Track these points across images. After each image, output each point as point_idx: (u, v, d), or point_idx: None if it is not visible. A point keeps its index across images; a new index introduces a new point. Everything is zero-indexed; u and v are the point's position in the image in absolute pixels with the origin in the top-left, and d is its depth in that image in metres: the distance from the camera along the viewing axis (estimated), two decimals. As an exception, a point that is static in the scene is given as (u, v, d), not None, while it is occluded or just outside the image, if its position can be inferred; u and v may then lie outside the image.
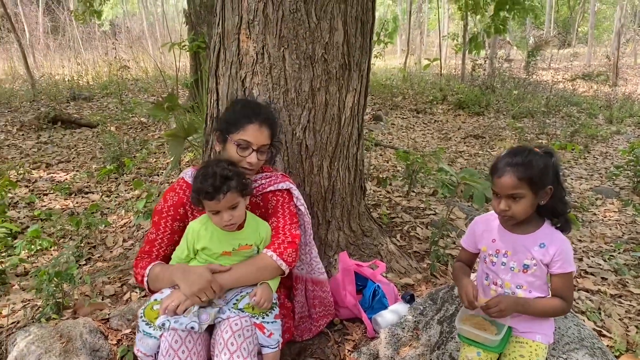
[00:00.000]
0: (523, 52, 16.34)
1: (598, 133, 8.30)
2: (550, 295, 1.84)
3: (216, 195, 1.82)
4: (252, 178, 2.14)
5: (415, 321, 2.28)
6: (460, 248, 2.06)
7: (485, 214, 2.00)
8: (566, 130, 8.29)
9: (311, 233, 2.31)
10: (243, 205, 1.93)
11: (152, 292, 2.01)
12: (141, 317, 1.85)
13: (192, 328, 1.80)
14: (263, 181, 2.18)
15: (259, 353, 1.90)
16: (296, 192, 2.23)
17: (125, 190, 5.10)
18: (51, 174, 5.74)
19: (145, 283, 2.00)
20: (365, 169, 4.48)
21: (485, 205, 3.22)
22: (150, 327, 1.82)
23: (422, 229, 3.58)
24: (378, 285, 2.49)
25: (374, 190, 4.70)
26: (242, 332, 1.80)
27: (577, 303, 3.02)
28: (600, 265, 3.62)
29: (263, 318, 1.88)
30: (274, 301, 1.93)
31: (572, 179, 6.04)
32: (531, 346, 1.81)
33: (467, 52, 11.93)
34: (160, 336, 1.81)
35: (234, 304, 1.90)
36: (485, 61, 13.12)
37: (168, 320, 1.79)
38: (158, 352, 1.82)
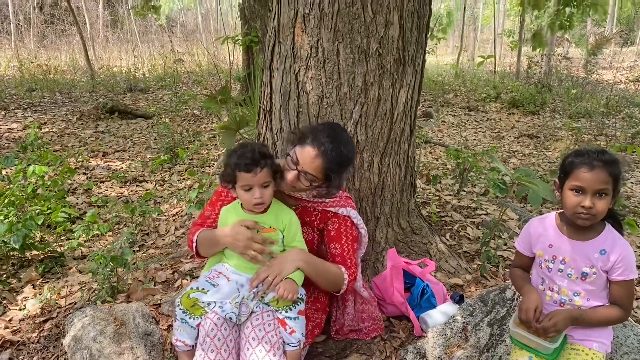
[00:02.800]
0: (582, 50, 15.71)
1: (661, 136, 7.89)
2: (608, 303, 1.76)
3: (253, 168, 1.83)
4: (319, 192, 2.07)
5: (464, 322, 2.24)
6: (514, 251, 2.00)
7: (541, 215, 1.93)
8: (627, 131, 7.92)
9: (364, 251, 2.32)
10: (272, 188, 1.94)
11: (201, 256, 2.11)
12: (178, 305, 1.88)
13: (230, 319, 1.84)
14: (326, 199, 2.14)
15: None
16: (356, 218, 2.18)
17: (178, 180, 5.23)
18: (107, 163, 5.96)
19: (194, 247, 2.08)
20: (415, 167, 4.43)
21: (539, 208, 3.12)
22: (187, 315, 1.86)
23: (472, 229, 3.51)
24: (427, 284, 2.45)
25: (423, 188, 4.63)
26: (262, 326, 1.84)
27: (636, 312, 2.89)
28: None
29: (286, 312, 1.87)
30: (300, 297, 1.91)
31: (632, 183, 5.77)
32: (587, 354, 1.73)
33: (523, 48, 11.58)
34: (198, 325, 1.86)
35: (262, 297, 1.91)
36: (542, 59, 12.70)
37: (214, 302, 1.84)
38: (196, 343, 1.87)
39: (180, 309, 1.88)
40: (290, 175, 1.94)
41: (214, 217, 2.13)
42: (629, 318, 1.93)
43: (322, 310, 2.22)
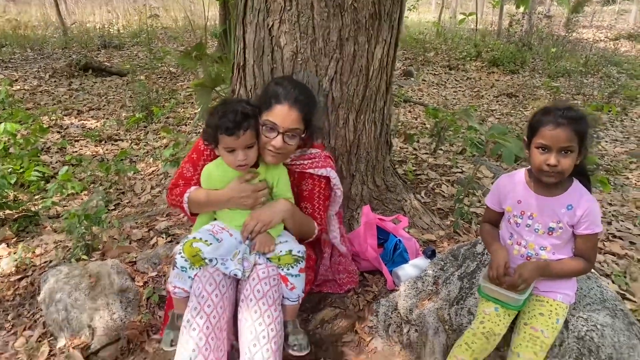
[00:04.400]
0: (564, 8, 15.61)
1: (638, 95, 7.98)
2: (572, 256, 1.81)
3: (236, 132, 1.79)
4: (297, 155, 2.09)
5: (435, 276, 2.29)
6: (485, 207, 2.03)
7: (510, 172, 1.96)
8: (604, 91, 7.99)
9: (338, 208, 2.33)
10: (257, 147, 1.91)
11: (192, 215, 2.08)
12: (180, 253, 1.84)
13: (236, 275, 1.84)
14: (305, 161, 2.12)
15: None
16: (335, 179, 2.18)
17: (153, 139, 5.16)
18: (82, 121, 5.84)
19: (185, 206, 2.03)
20: (393, 125, 4.42)
21: (514, 165, 3.16)
22: (187, 263, 1.83)
23: (447, 186, 3.55)
24: (400, 239, 2.49)
25: (400, 147, 4.65)
26: (268, 280, 1.84)
27: (603, 266, 2.99)
28: (630, 229, 3.55)
29: (288, 270, 1.90)
30: (301, 254, 1.92)
31: (606, 142, 5.86)
32: (552, 305, 1.79)
33: (504, 6, 11.47)
34: (195, 276, 1.84)
35: (263, 253, 1.92)
36: (523, 17, 12.60)
37: (216, 259, 1.83)
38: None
39: (182, 257, 1.83)
40: (276, 142, 1.88)
41: (197, 178, 2.07)
42: (593, 270, 1.99)
43: (311, 268, 2.25)
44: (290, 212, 1.99)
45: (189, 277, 1.84)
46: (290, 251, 1.90)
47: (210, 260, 1.83)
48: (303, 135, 1.97)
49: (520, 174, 1.87)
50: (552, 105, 1.72)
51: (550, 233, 1.77)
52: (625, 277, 2.92)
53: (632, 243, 3.39)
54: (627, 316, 1.94)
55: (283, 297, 1.91)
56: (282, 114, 1.87)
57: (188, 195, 2.02)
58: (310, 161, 2.12)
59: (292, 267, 1.90)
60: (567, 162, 1.65)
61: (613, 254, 3.18)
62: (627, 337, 1.84)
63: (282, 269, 1.90)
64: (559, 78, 9.23)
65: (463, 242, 2.83)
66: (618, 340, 1.82)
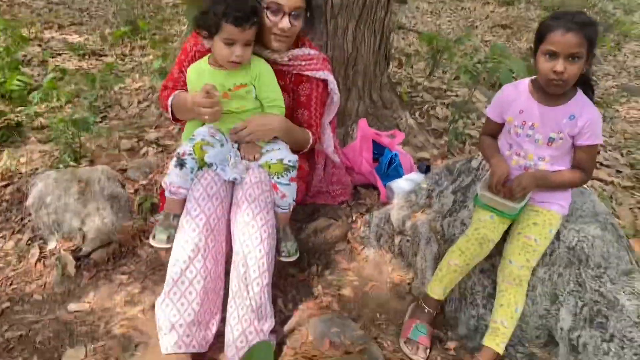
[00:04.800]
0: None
1: (632, 31, 7.89)
2: (570, 167, 1.81)
3: (244, 23, 1.71)
4: (294, 54, 2.01)
5: (429, 189, 2.29)
6: (486, 119, 2.00)
7: (514, 82, 1.92)
8: (599, 25, 7.87)
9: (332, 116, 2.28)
10: (252, 47, 1.83)
11: (177, 120, 2.05)
12: (190, 154, 1.77)
13: (235, 179, 1.81)
14: (302, 62, 2.04)
15: None
16: (332, 83, 2.12)
17: (140, 55, 4.98)
18: (64, 35, 5.59)
19: (169, 110, 2.00)
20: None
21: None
22: (196, 163, 1.78)
23: (441, 108, 3.51)
24: (395, 153, 2.47)
25: (394, 71, 4.55)
26: (260, 185, 1.81)
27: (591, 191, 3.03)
28: (617, 159, 3.59)
29: (278, 178, 1.86)
30: (292, 164, 1.88)
31: (599, 75, 5.83)
32: (545, 215, 1.81)
33: None
34: (197, 178, 1.79)
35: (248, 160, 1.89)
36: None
37: (216, 164, 1.79)
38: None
39: (193, 158, 1.77)
40: (283, 23, 1.84)
41: (183, 80, 2.01)
42: (586, 186, 2.00)
43: (303, 179, 2.22)
44: (285, 129, 1.95)
45: (191, 178, 1.80)
46: (282, 160, 1.86)
47: (210, 165, 1.80)
48: (306, 11, 1.91)
49: (525, 83, 1.83)
50: (562, 11, 1.66)
51: (549, 144, 1.76)
52: (611, 201, 2.98)
53: (618, 172, 3.44)
54: (617, 230, 1.97)
55: (275, 204, 1.89)
56: None
57: (171, 99, 1.98)
58: (307, 62, 2.05)
59: (283, 176, 1.87)
60: (574, 69, 1.61)
61: (600, 180, 3.22)
62: (617, 249, 1.87)
63: (273, 177, 1.87)
64: (554, 11, 9.04)
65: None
66: (607, 251, 1.85)
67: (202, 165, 1.80)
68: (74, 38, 5.50)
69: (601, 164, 3.48)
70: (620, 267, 1.82)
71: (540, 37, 1.66)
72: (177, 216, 1.80)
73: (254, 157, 1.86)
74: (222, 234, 1.80)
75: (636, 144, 3.83)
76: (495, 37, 7.22)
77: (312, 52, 2.07)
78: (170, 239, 1.78)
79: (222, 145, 1.85)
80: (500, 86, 3.52)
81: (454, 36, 6.79)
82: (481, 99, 3.77)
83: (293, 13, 1.85)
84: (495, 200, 1.79)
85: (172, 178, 1.79)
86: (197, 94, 1.79)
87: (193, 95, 1.81)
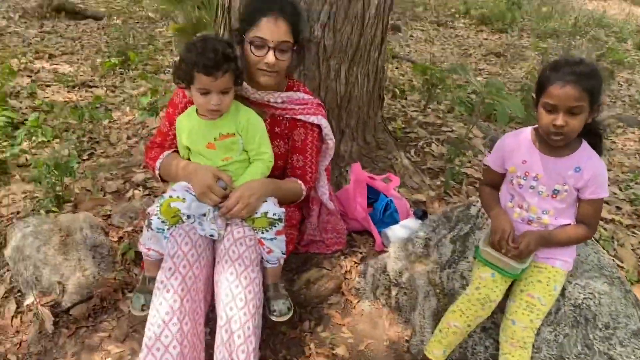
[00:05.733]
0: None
1: (625, 59, 7.90)
2: (574, 222, 1.73)
3: (214, 72, 1.63)
4: (288, 96, 1.95)
5: (426, 238, 2.20)
6: (482, 168, 1.92)
7: (515, 131, 1.84)
8: (591, 53, 7.88)
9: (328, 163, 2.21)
10: (232, 95, 1.76)
11: (165, 181, 1.98)
12: (156, 214, 1.70)
13: (212, 236, 1.72)
14: (295, 106, 1.98)
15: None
16: (326, 129, 2.06)
17: (130, 87, 4.91)
18: (54, 65, 5.52)
19: (157, 173, 1.94)
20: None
21: (506, 126, 3.06)
22: (165, 224, 1.70)
23: (437, 145, 3.44)
24: (390, 199, 2.38)
25: (388, 104, 4.49)
26: (243, 240, 1.72)
27: (599, 231, 2.95)
28: (616, 194, 3.52)
29: (262, 233, 1.77)
30: (277, 217, 1.77)
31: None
32: (550, 272, 1.72)
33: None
34: (170, 235, 1.71)
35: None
36: (513, -26, 12.29)
37: (194, 216, 1.70)
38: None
39: (158, 218, 1.70)
40: (268, 58, 1.78)
41: (172, 134, 1.94)
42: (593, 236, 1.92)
43: (294, 227, 2.14)
44: (272, 190, 1.85)
45: (165, 237, 1.71)
46: (266, 213, 1.75)
47: (188, 217, 1.70)
48: (294, 48, 1.86)
49: (526, 132, 1.75)
50: (562, 60, 1.59)
51: (554, 196, 1.68)
52: (613, 242, 2.89)
53: (618, 208, 3.36)
54: (624, 284, 1.89)
55: (262, 259, 1.80)
56: (269, 27, 1.77)
57: (160, 162, 1.91)
58: (301, 107, 1.99)
59: (268, 231, 1.76)
60: (575, 123, 1.54)
61: (601, 219, 3.14)
62: (624, 306, 1.79)
63: (257, 232, 1.77)
64: (547, 39, 9.07)
65: (454, 203, 2.74)
66: (615, 309, 1.77)
67: (174, 222, 1.71)
68: (65, 68, 5.43)
69: (600, 200, 3.41)
70: (630, 327, 1.73)
71: (540, 88, 1.60)
72: (153, 279, 1.70)
73: (244, 213, 1.75)
74: (201, 293, 1.69)
75: (634, 177, 3.76)
76: (489, 65, 7.21)
77: (307, 96, 2.01)
78: (146, 306, 1.67)
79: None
80: (496, 119, 3.48)
81: (447, 64, 6.79)
82: (477, 134, 3.70)
83: (279, 47, 1.79)
84: (498, 258, 1.70)
85: (143, 238, 1.71)
86: (214, 182, 1.71)
87: (211, 183, 1.71)
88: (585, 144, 1.66)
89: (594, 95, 1.53)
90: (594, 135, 1.68)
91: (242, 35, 1.84)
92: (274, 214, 1.76)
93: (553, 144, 1.62)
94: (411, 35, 8.51)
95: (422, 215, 2.38)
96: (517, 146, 1.75)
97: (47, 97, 4.56)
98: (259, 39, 1.78)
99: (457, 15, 10.19)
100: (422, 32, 8.87)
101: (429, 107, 4.48)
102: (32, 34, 6.59)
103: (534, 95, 1.68)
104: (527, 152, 1.72)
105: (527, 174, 1.71)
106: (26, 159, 3.37)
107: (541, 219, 1.71)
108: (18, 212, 2.64)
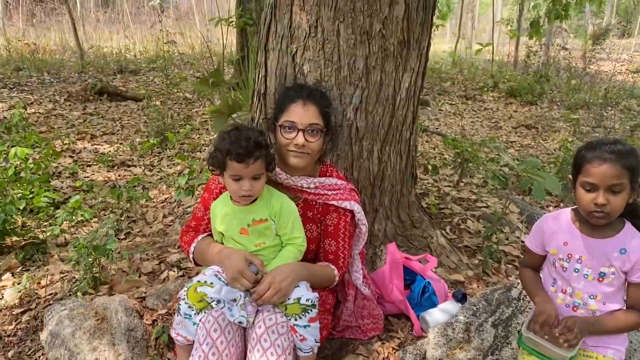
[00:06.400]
0: (580, 40, 15.56)
1: (659, 129, 7.79)
2: (625, 307, 1.63)
3: (246, 159, 1.69)
4: (321, 182, 1.98)
5: (467, 322, 2.11)
6: (521, 246, 1.86)
7: (555, 211, 1.80)
8: (625, 124, 7.80)
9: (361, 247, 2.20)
10: (264, 180, 1.80)
11: (199, 265, 2.00)
12: (183, 299, 1.73)
13: (241, 323, 1.70)
14: (328, 192, 2.00)
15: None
16: (359, 214, 2.07)
17: (167, 166, 5.06)
18: (95, 146, 5.77)
19: (191, 257, 1.98)
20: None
21: (542, 201, 2.98)
22: (192, 310, 1.72)
23: (472, 222, 3.38)
24: (428, 281, 2.32)
25: (420, 179, 4.49)
26: (276, 327, 1.69)
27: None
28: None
29: (295, 320, 1.74)
30: (311, 302, 1.75)
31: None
32: (602, 361, 1.61)
33: (521, 37, 11.42)
34: (199, 321, 1.71)
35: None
36: (540, 48, 12.54)
37: (223, 301, 1.70)
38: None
39: (185, 303, 1.72)
40: (298, 140, 1.84)
41: (207, 218, 1.98)
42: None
43: (328, 312, 2.09)
44: (306, 275, 1.85)
45: (194, 323, 1.71)
46: (299, 299, 1.73)
47: (218, 302, 1.70)
48: (325, 131, 1.91)
49: (566, 214, 1.70)
50: (597, 140, 1.58)
51: (600, 279, 1.60)
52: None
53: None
54: (684, 374, 1.76)
55: (295, 346, 1.75)
56: (298, 111, 1.85)
57: (194, 245, 1.95)
58: (334, 192, 1.99)
59: (301, 317, 1.73)
60: (617, 201, 1.50)
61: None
62: (686, 401, 1.65)
63: (290, 319, 1.74)
64: (578, 110, 9.07)
65: (493, 283, 2.65)
66: (675, 404, 1.63)
67: (201, 307, 1.71)
68: (105, 148, 5.66)
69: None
70: None
71: (577, 168, 1.57)
72: None
73: (276, 299, 1.73)
74: None
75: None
76: (520, 137, 7.20)
77: (339, 182, 2.03)
78: None
79: (227, 283, 1.75)
80: (531, 193, 3.41)
81: (478, 137, 6.80)
82: (513, 209, 3.64)
83: (308, 129, 1.85)
84: (543, 346, 1.61)
85: (174, 323, 1.71)
86: (245, 267, 1.72)
87: (242, 267, 1.72)
88: (629, 225, 1.60)
89: (634, 174, 1.50)
90: (637, 217, 1.62)
91: (274, 123, 1.92)
92: (307, 300, 1.74)
93: (595, 222, 1.57)
94: (440, 109, 8.63)
95: (461, 297, 2.30)
96: (557, 228, 1.69)
97: (88, 177, 4.74)
98: (288, 122, 1.86)
99: (485, 89, 10.34)
100: (450, 106, 9.00)
101: (462, 182, 4.46)
102: (75, 116, 6.94)
103: (570, 176, 1.65)
104: (568, 233, 1.66)
105: (570, 256, 1.65)
106: (65, 239, 3.45)
107: (588, 304, 1.63)
108: (55, 294, 2.67)
